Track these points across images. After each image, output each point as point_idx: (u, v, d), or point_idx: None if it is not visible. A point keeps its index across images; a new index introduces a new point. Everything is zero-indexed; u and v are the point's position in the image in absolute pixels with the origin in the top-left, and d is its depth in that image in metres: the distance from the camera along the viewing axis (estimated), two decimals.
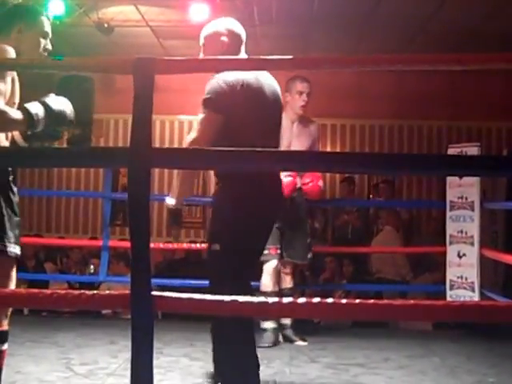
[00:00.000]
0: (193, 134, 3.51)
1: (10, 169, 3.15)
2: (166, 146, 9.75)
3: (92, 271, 8.16)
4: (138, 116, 2.41)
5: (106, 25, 8.24)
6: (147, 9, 8.14)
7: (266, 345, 5.49)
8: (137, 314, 2.41)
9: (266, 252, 5.47)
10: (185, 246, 7.49)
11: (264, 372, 4.74)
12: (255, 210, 3.48)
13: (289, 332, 5.85)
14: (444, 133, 10.06)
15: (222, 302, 2.43)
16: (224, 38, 3.72)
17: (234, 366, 3.46)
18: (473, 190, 6.63)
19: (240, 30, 3.78)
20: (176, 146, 9.76)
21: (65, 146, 9.37)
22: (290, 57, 2.57)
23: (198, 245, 7.40)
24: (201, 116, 3.52)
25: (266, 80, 3.63)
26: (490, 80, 8.87)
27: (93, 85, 9.77)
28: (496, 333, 6.06)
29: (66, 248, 8.81)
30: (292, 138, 5.68)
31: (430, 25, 8.16)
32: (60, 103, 3.16)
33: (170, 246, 7.40)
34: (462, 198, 6.74)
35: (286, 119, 5.56)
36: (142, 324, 2.42)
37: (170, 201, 3.57)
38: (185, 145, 3.57)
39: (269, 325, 5.67)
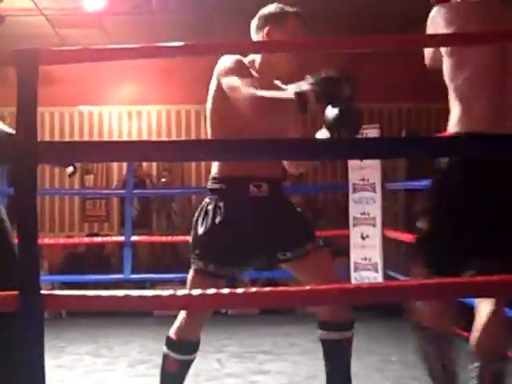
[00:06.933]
0: None
1: None
2: (67, 138, 9.53)
3: None
4: (22, 110, 2.29)
5: None
6: None
7: None
8: (25, 315, 2.31)
9: None
10: (86, 240, 7.36)
11: None
12: None
13: None
14: None
15: (115, 297, 2.34)
16: None
17: None
18: (374, 172, 6.70)
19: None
20: (77, 137, 9.57)
21: None
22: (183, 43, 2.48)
23: (99, 238, 7.31)
24: None
25: None
26: (390, 61, 8.95)
27: None
28: (402, 312, 6.16)
29: None
30: None
31: (332, 4, 8.14)
32: None
33: (70, 241, 7.27)
34: (363, 179, 6.81)
35: None
36: (32, 325, 2.32)
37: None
38: None
39: None
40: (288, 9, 3.10)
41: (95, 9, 7.72)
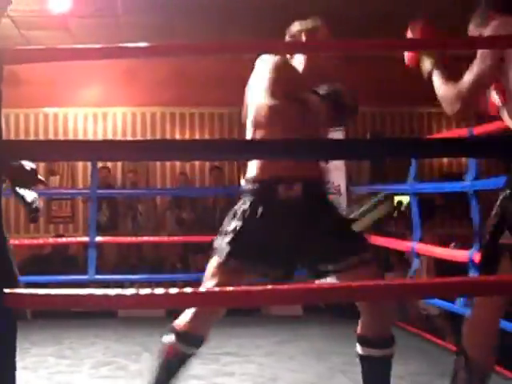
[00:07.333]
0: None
1: None
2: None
3: None
4: None
5: None
6: None
7: None
8: None
9: None
10: (51, 240, 7.32)
11: (131, 367, 4.72)
12: None
13: None
14: None
15: (78, 295, 2.33)
16: None
17: None
18: (339, 174, 6.73)
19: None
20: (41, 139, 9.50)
21: None
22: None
23: (64, 239, 7.28)
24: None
25: None
26: (354, 65, 9.02)
27: None
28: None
29: None
30: None
31: (299, 8, 8.16)
32: None
33: (35, 242, 7.23)
34: (329, 182, 6.83)
35: None
36: None
37: None
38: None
39: None
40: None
41: (60, 11, 7.69)
